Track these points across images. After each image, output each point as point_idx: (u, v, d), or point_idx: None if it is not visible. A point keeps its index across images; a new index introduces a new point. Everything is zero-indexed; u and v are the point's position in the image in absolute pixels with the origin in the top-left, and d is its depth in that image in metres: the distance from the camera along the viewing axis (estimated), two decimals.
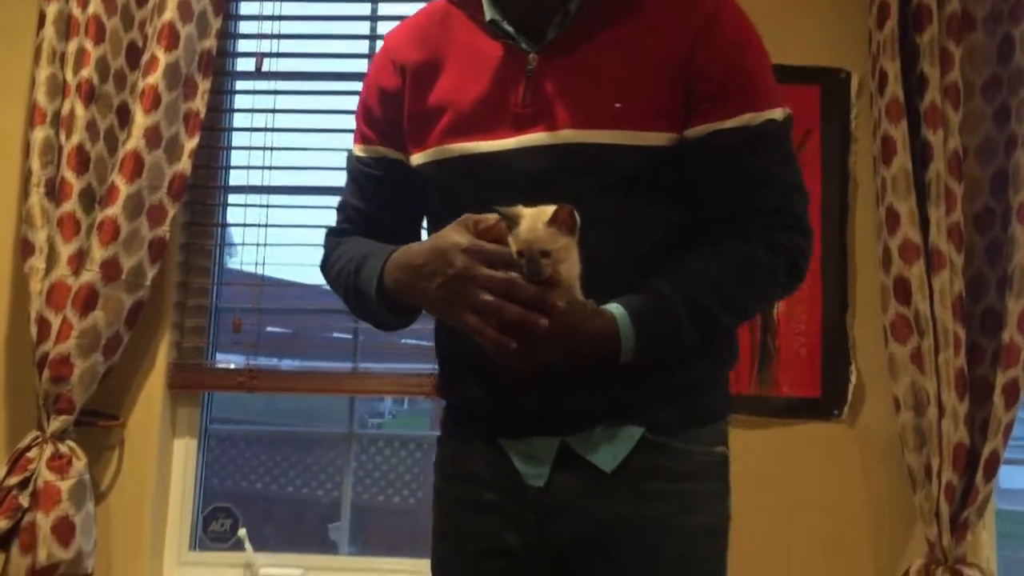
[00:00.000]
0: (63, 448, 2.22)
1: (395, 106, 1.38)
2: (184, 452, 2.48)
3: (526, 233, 1.15)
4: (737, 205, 1.27)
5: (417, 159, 1.36)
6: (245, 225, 2.57)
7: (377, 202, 1.42)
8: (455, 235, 1.20)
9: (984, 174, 2.25)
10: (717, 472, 1.30)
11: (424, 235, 1.44)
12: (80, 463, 2.23)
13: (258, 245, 2.54)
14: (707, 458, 1.29)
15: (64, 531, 2.17)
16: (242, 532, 2.45)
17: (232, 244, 2.59)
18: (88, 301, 2.23)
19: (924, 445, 2.15)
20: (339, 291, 1.40)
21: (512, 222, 1.17)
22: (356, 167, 1.44)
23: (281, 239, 2.54)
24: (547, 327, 1.14)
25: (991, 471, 2.13)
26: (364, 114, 1.43)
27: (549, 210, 1.16)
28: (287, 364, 2.58)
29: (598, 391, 1.23)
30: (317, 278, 2.30)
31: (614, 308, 1.19)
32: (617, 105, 1.24)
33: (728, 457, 1.32)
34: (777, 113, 1.27)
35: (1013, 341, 2.14)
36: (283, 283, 2.61)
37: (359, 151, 1.43)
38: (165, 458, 2.45)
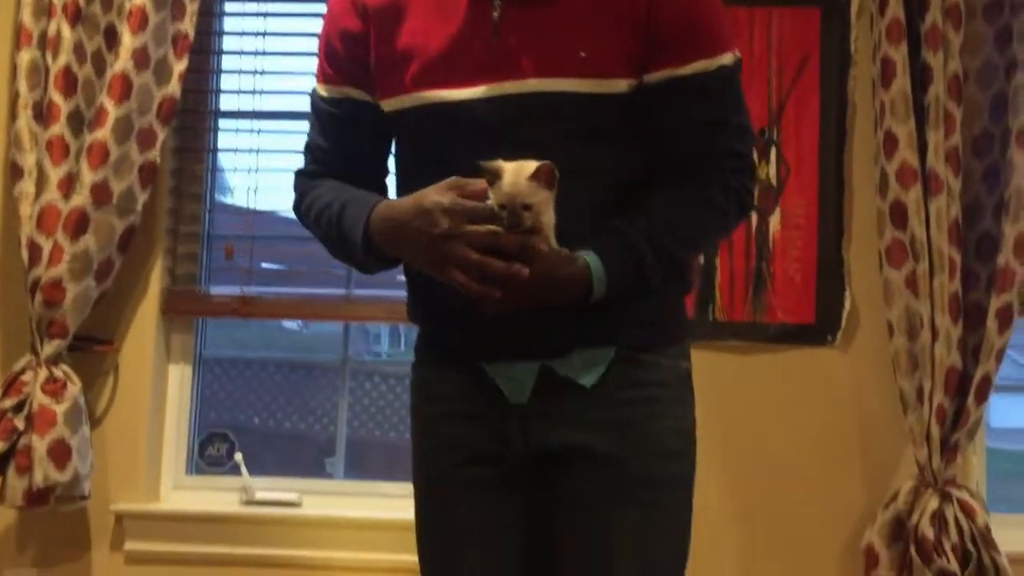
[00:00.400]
0: (57, 372, 2.23)
1: (359, 47, 1.39)
2: (179, 378, 2.49)
3: (509, 187, 1.21)
4: (692, 149, 1.35)
5: (387, 106, 1.39)
6: (236, 151, 2.54)
7: (343, 142, 1.44)
8: (437, 195, 1.24)
9: (984, 98, 2.23)
10: (683, 382, 1.40)
11: (392, 175, 1.47)
12: (75, 387, 2.24)
13: (249, 171, 2.52)
14: (673, 370, 1.39)
15: (60, 454, 2.18)
16: (238, 457, 2.46)
17: (223, 170, 2.57)
18: (79, 225, 2.22)
19: (916, 369, 2.16)
20: (318, 234, 1.43)
21: (494, 176, 1.22)
22: (321, 106, 1.45)
23: (272, 165, 2.52)
24: (528, 275, 1.21)
25: (983, 394, 2.15)
26: (327, 52, 1.43)
27: (530, 165, 1.22)
28: (280, 291, 2.57)
29: (574, 321, 1.32)
30: None
31: (586, 254, 1.27)
32: (582, 54, 1.29)
33: (690, 371, 1.42)
34: (728, 58, 1.34)
35: (1008, 265, 2.14)
36: (276, 216, 2.59)
37: (323, 91, 1.44)
38: (160, 383, 2.45)
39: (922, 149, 2.17)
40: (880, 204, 2.20)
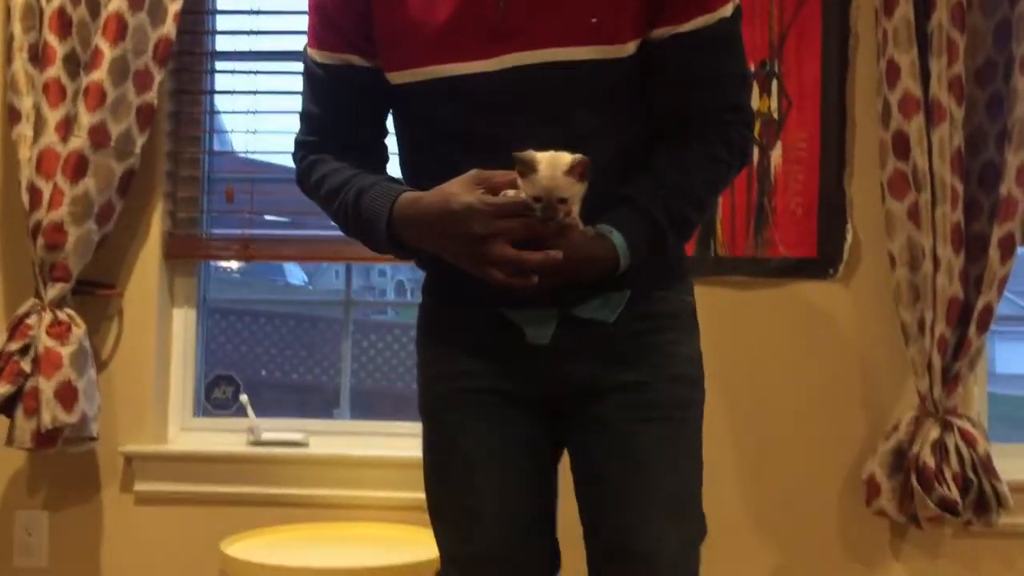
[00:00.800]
0: (62, 315, 2.24)
1: (359, 15, 1.35)
2: (183, 321, 2.50)
3: (547, 181, 1.22)
4: (694, 103, 1.36)
5: (394, 78, 1.36)
6: (233, 92, 2.53)
7: (343, 109, 1.41)
8: (465, 194, 1.23)
9: (987, 25, 2.20)
10: (690, 315, 1.47)
11: (396, 142, 1.46)
12: (79, 330, 2.25)
13: (248, 113, 2.50)
14: (681, 303, 1.46)
15: (67, 396, 2.19)
16: (244, 398, 2.48)
17: (220, 112, 2.55)
18: (78, 168, 2.21)
19: (918, 300, 2.16)
20: (328, 213, 1.41)
21: (529, 168, 1.22)
22: (317, 73, 1.40)
23: (270, 106, 2.50)
24: (562, 259, 1.23)
25: (984, 324, 2.15)
26: (322, 18, 1.39)
27: (564, 158, 1.22)
28: (283, 233, 2.57)
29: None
30: None
31: (609, 232, 1.29)
32: (593, 20, 1.28)
33: (695, 306, 1.48)
34: (727, 10, 1.33)
35: (1011, 194, 2.12)
36: (275, 165, 2.58)
37: (321, 57, 1.39)
38: (165, 327, 2.47)
39: (925, 78, 2.14)
40: (882, 135, 2.19)
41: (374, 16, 1.35)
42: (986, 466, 2.13)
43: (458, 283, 1.33)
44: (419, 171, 1.40)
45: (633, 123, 1.36)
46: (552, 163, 1.22)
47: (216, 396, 2.55)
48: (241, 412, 2.50)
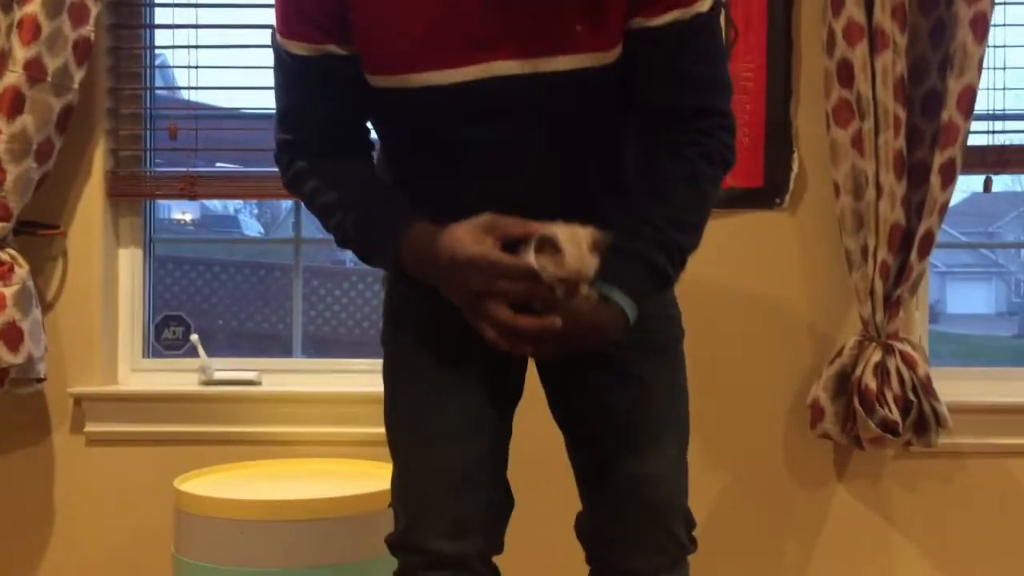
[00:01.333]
0: (3, 256, 2.20)
1: (335, 4, 1.27)
2: (130, 261, 2.47)
3: (575, 263, 1.18)
4: (667, 102, 1.30)
5: (373, 81, 1.31)
6: (174, 27, 2.47)
7: (322, 101, 1.33)
8: (471, 245, 1.21)
9: None
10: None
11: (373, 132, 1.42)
12: (22, 270, 2.21)
13: (189, 47, 2.45)
14: None
15: (12, 336, 2.17)
16: (194, 338, 2.47)
17: (161, 47, 2.50)
18: (14, 104, 2.16)
19: (862, 228, 2.19)
20: (324, 225, 1.36)
21: (552, 247, 1.18)
22: (291, 65, 1.31)
23: (212, 40, 2.45)
24: (560, 327, 1.20)
25: (925, 250, 2.19)
26: (295, 7, 1.29)
27: (584, 234, 1.19)
28: (228, 169, 2.53)
29: None
30: (251, 81, 2.21)
31: (611, 291, 1.24)
32: (578, 28, 1.24)
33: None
34: (704, 5, 1.28)
35: (952, 120, 2.15)
36: (215, 109, 2.53)
37: (295, 48, 1.29)
38: (110, 267, 2.43)
39: (869, 5, 2.15)
40: (827, 63, 2.20)
41: (350, 20, 1.28)
42: (926, 388, 2.18)
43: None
44: (402, 169, 1.38)
45: (618, 114, 1.35)
46: (574, 241, 1.18)
47: (166, 336, 2.53)
48: (192, 353, 2.48)
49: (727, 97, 1.34)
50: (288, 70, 1.32)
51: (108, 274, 2.42)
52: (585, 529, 1.48)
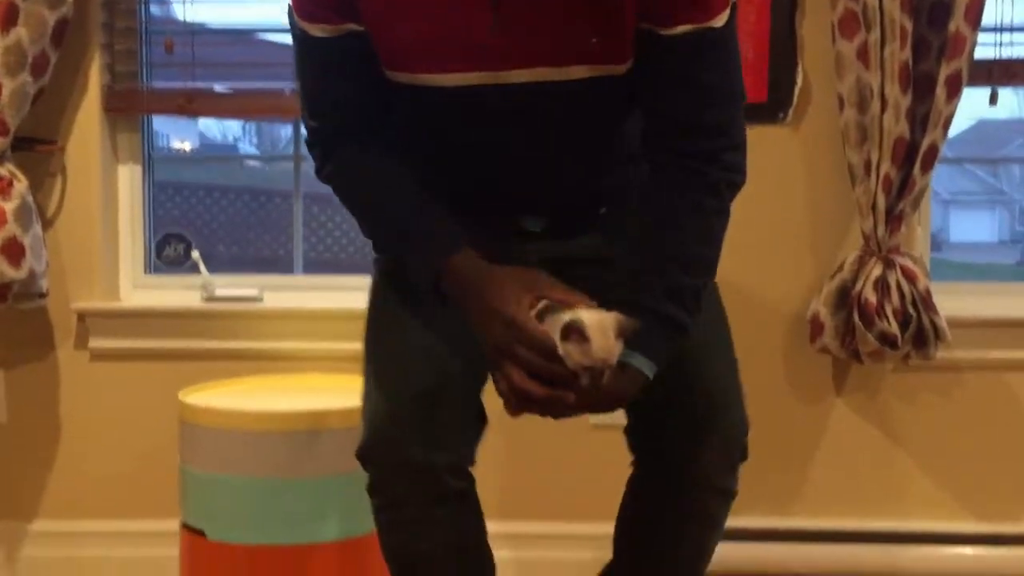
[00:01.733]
0: (2, 171, 2.19)
1: None
2: (129, 177, 2.46)
3: (602, 352, 1.17)
4: (676, 112, 1.27)
5: (385, 73, 1.30)
6: None
7: (352, 82, 1.31)
8: (512, 303, 1.21)
9: None
10: None
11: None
12: (21, 184, 2.21)
13: None
14: None
15: (13, 251, 2.17)
16: (195, 254, 2.47)
17: None
18: (8, 16, 2.14)
19: (865, 141, 2.17)
20: (362, 229, 1.37)
21: (579, 334, 1.17)
22: (313, 47, 1.29)
23: None
24: (572, 401, 1.20)
25: (929, 163, 2.17)
26: None
27: (610, 321, 1.18)
28: (228, 85, 2.51)
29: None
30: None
31: (635, 361, 1.23)
32: (593, 40, 1.21)
33: None
34: (719, 20, 1.24)
35: (959, 31, 2.12)
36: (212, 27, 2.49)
37: (315, 31, 1.27)
38: (110, 183, 2.43)
39: None
40: None
41: (359, 8, 1.25)
42: (926, 301, 2.19)
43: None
44: (408, 156, 1.36)
45: (628, 118, 1.34)
46: (602, 329, 1.17)
47: (167, 254, 2.53)
48: (193, 271, 2.49)
49: (737, 109, 1.31)
50: (308, 50, 1.30)
51: (108, 190, 2.41)
52: (637, 432, 1.46)
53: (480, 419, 1.42)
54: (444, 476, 1.35)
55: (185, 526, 2.02)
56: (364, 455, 1.37)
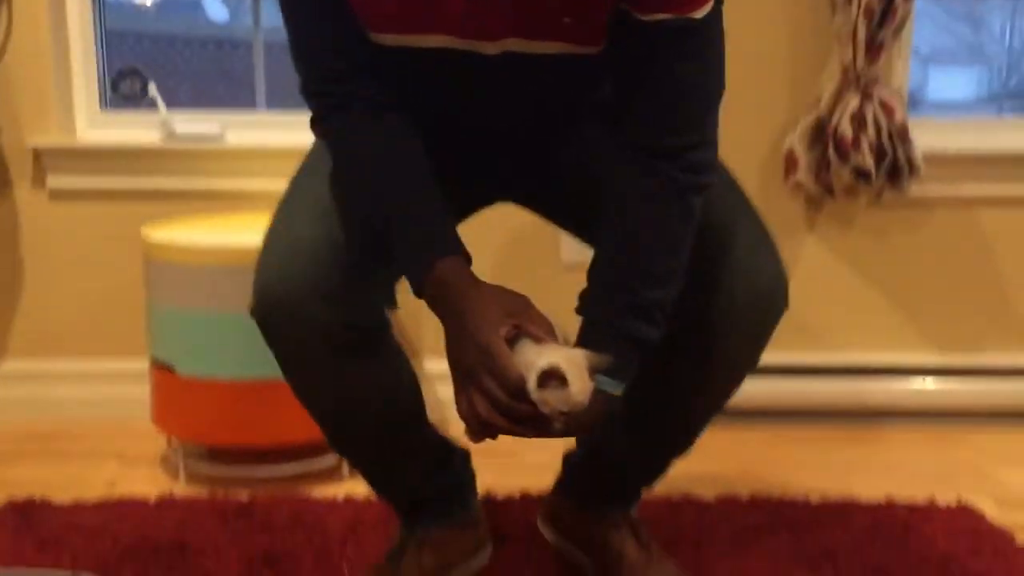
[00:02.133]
0: None
1: None
2: (78, 10, 2.34)
3: (579, 395, 1.12)
4: (645, 104, 1.20)
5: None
6: None
7: (338, 24, 1.21)
8: (491, 331, 1.13)
9: None
10: None
11: None
12: None
13: None
14: None
15: None
16: (152, 89, 2.38)
17: None
18: None
19: None
20: (350, 199, 1.30)
21: (559, 381, 1.11)
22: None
23: None
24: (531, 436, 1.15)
25: None
26: None
27: (580, 359, 1.13)
28: None
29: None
30: None
31: (602, 384, 1.18)
32: (566, 20, 1.17)
33: None
34: (700, 12, 1.15)
35: None
36: None
37: None
38: (58, 15, 2.31)
39: None
40: None
41: None
42: (902, 135, 2.15)
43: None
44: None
45: (595, 85, 1.30)
46: (579, 371, 1.11)
47: (123, 90, 2.43)
48: (152, 107, 2.40)
49: (712, 104, 1.22)
50: (304, 5, 1.22)
51: (56, 22, 2.30)
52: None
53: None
54: (343, 331, 1.28)
55: (155, 363, 2.00)
56: (257, 314, 1.32)
